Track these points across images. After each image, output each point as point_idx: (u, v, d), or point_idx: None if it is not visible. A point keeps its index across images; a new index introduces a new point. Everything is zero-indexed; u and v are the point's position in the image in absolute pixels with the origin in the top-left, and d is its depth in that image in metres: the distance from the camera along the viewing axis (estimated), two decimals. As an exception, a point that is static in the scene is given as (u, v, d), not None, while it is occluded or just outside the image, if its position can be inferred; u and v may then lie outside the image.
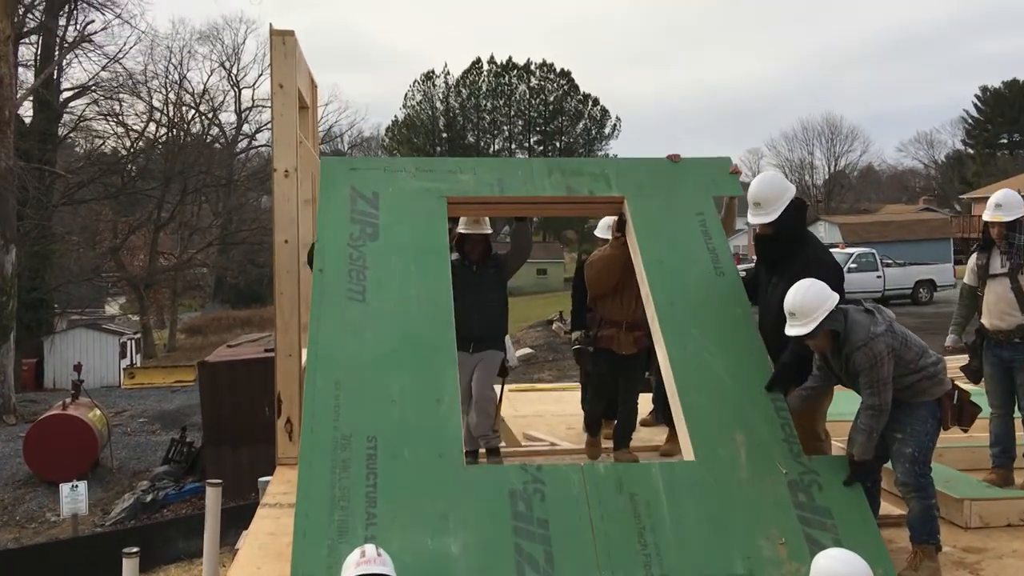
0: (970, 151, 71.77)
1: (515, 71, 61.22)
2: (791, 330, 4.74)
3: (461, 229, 6.42)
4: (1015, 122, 69.53)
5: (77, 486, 16.33)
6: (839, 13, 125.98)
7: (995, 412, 6.18)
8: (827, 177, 76.33)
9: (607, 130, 62.37)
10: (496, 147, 61.54)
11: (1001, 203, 6.01)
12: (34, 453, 19.64)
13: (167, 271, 44.80)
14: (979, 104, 72.63)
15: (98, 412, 20.94)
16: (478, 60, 62.04)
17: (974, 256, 6.31)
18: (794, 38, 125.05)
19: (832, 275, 5.06)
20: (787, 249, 5.38)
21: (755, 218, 5.43)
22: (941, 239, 45.57)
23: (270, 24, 6.48)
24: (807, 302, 4.67)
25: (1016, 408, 6.18)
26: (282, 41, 6.54)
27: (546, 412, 8.70)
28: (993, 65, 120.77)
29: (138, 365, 37.66)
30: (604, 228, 7.36)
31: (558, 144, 61.84)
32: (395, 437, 4.79)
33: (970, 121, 73.00)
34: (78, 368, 22.26)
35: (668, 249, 5.93)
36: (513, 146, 62.17)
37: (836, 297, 4.72)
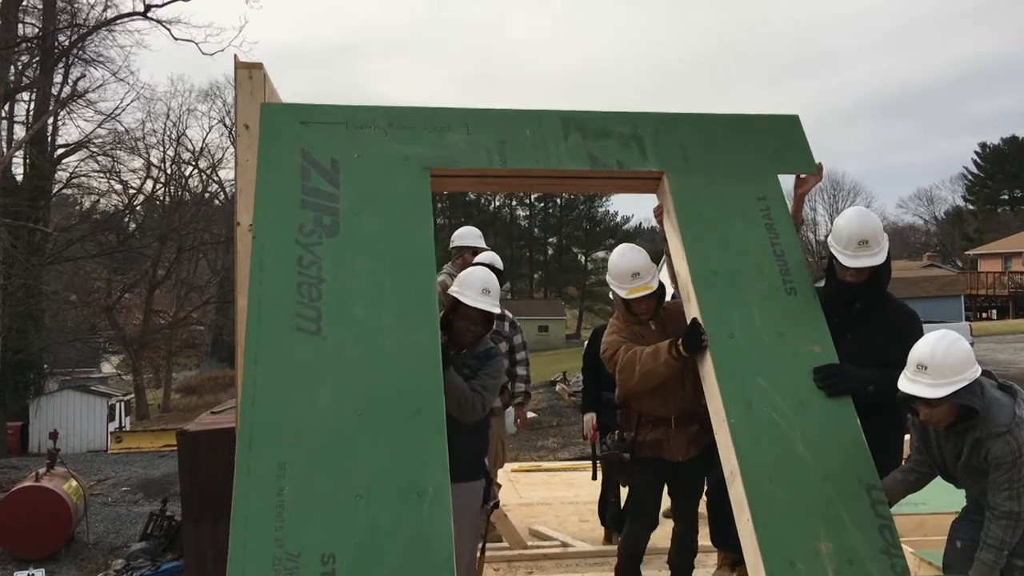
0: (971, 207, 73.54)
1: None
2: (914, 387, 3.58)
3: (463, 296, 4.49)
4: (1016, 178, 71.09)
5: (34, 574, 14.97)
6: (841, 70, 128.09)
7: None
8: (828, 233, 76.15)
9: None
10: (497, 203, 62.67)
11: None
12: (4, 528, 17.96)
13: (162, 330, 44.30)
14: (979, 161, 74.08)
15: (74, 483, 19.32)
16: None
17: None
18: (797, 93, 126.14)
19: (921, 332, 3.95)
20: (877, 298, 4.41)
21: (863, 259, 4.26)
22: (952, 296, 44.15)
23: (235, 56, 4.88)
24: (950, 359, 3.55)
25: None
26: (248, 75, 4.79)
27: (555, 499, 7.50)
28: (991, 122, 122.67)
29: (126, 428, 36.44)
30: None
31: (559, 201, 63.17)
32: (363, 555, 3.50)
33: (970, 177, 74.45)
34: (54, 436, 20.94)
35: (723, 254, 4.50)
36: (513, 202, 63.28)
37: (979, 368, 3.61)
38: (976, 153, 74.59)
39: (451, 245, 6.89)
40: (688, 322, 4.37)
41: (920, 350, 3.61)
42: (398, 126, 4.64)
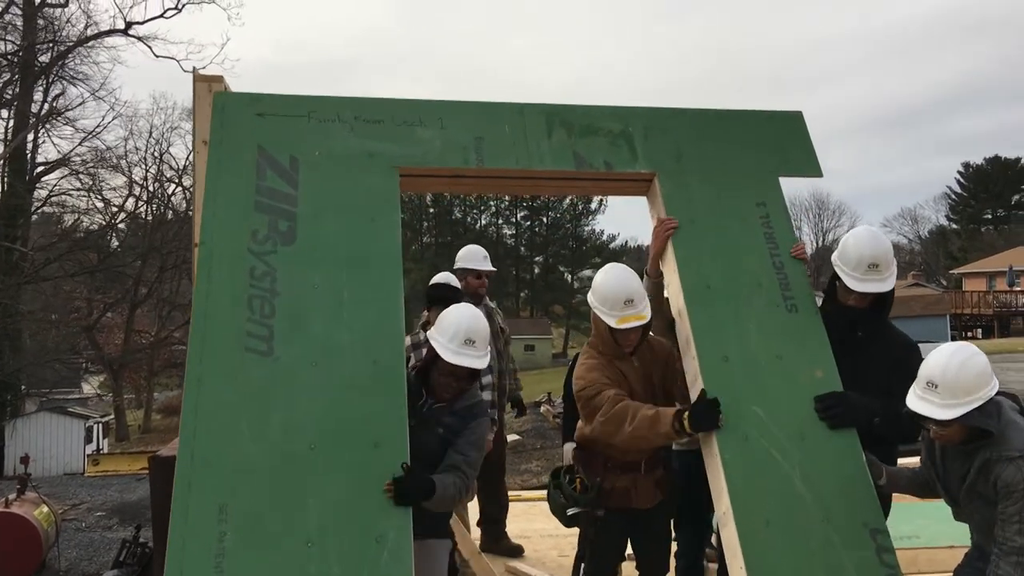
0: (954, 226, 73.18)
1: None
2: (923, 406, 3.20)
3: (442, 349, 3.67)
4: (999, 198, 70.84)
5: None
6: (825, 90, 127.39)
7: None
8: (814, 252, 78.00)
9: (593, 205, 62.92)
10: (483, 222, 62.81)
11: None
12: (-29, 556, 17.14)
13: (143, 350, 43.29)
14: (962, 180, 73.64)
15: (45, 509, 18.63)
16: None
17: None
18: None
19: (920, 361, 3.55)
20: (879, 326, 4.04)
21: (871, 284, 3.92)
22: (937, 315, 43.86)
23: (194, 68, 4.37)
24: (963, 378, 3.16)
25: None
26: (208, 88, 4.29)
27: (533, 532, 6.90)
28: (974, 142, 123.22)
29: (104, 451, 35.50)
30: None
31: (545, 220, 62.85)
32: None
33: (954, 197, 74.29)
34: (25, 461, 20.20)
35: (718, 266, 4.10)
36: (500, 221, 63.28)
37: (997, 384, 3.23)
38: (959, 173, 74.65)
39: (456, 266, 6.50)
40: (688, 379, 3.93)
41: (931, 365, 3.23)
42: (365, 119, 4.20)
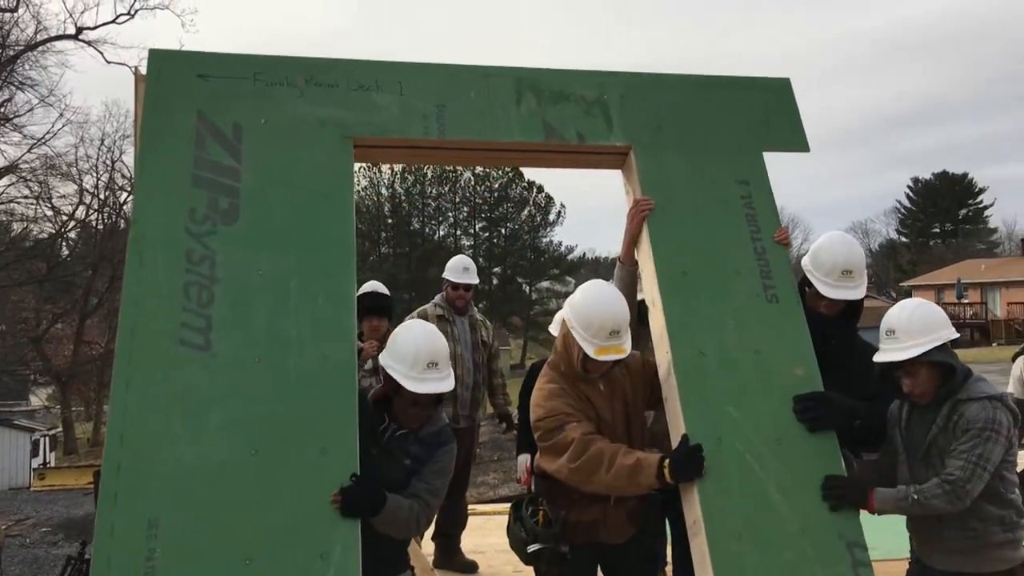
0: (904, 240, 74.91)
1: None
2: (885, 355, 3.37)
3: (402, 378, 3.33)
4: (947, 212, 72.69)
5: None
6: None
7: None
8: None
9: (552, 217, 62.66)
10: (441, 233, 62.65)
11: None
12: (-90, 577, 16.38)
13: (93, 361, 41.78)
14: (911, 195, 75.32)
15: None
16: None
17: (1020, 362, 5.12)
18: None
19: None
20: (850, 333, 3.94)
21: (844, 291, 3.83)
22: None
23: (135, 68, 3.92)
24: (918, 319, 3.36)
25: None
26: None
27: (488, 547, 6.60)
28: (924, 158, 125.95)
29: (51, 464, 34.63)
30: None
31: (503, 231, 62.48)
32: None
33: (903, 211, 75.70)
34: None
35: (695, 251, 3.82)
36: (458, 232, 62.86)
37: (953, 331, 3.40)
38: (909, 187, 76.16)
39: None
40: (660, 374, 3.63)
41: (888, 317, 3.42)
42: (317, 83, 3.82)
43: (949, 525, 3.32)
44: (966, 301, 46.35)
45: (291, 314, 3.36)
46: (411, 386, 3.27)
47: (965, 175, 73.41)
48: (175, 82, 3.68)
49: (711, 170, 3.98)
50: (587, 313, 3.47)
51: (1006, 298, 48.36)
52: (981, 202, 73.50)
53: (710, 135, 4.06)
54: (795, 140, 4.18)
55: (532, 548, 3.60)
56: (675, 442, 3.46)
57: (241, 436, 3.14)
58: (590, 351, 3.43)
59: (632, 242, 3.87)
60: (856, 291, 3.84)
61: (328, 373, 3.30)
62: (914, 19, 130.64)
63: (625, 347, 3.49)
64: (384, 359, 3.37)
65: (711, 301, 3.70)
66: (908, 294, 54.08)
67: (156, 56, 3.73)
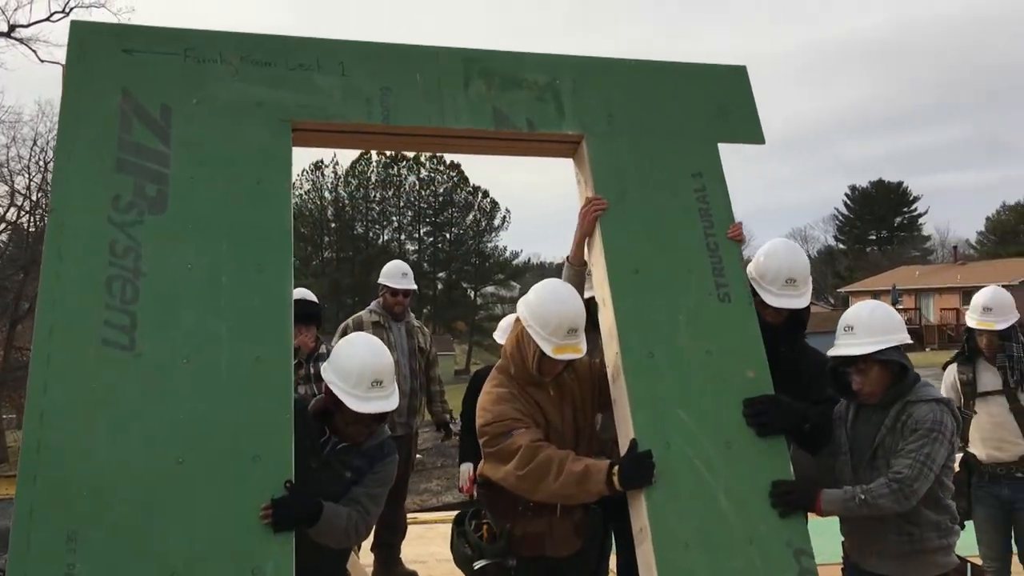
0: (842, 247, 76.37)
1: (404, 162, 61.82)
2: (841, 349, 3.42)
3: (345, 396, 3.21)
4: (883, 219, 75.08)
5: None
6: None
7: (989, 566, 4.84)
8: None
9: (496, 222, 62.87)
10: (385, 237, 62.55)
11: (991, 306, 4.89)
12: None
13: (24, 367, 41.51)
14: (849, 203, 77.14)
15: None
16: (367, 151, 61.14)
17: (952, 370, 5.03)
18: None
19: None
20: (798, 340, 3.92)
21: (788, 300, 3.81)
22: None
23: (62, 65, 3.55)
24: (877, 318, 3.42)
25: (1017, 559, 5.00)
26: None
27: (429, 556, 6.52)
28: (861, 166, 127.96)
29: None
30: (506, 332, 5.13)
31: (448, 235, 62.51)
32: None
33: (841, 218, 77.58)
34: None
35: (647, 247, 3.69)
36: (403, 236, 62.78)
37: (908, 337, 3.47)
38: (846, 195, 78.02)
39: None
40: (609, 375, 3.53)
41: (847, 315, 3.49)
42: (253, 61, 3.58)
43: (885, 529, 3.34)
44: (901, 307, 47.35)
45: (221, 312, 3.18)
46: (354, 405, 3.16)
47: (900, 184, 76.14)
48: (99, 57, 3.42)
49: (664, 162, 3.85)
50: (545, 310, 3.36)
51: (939, 304, 49.64)
52: (916, 210, 76.25)
53: (664, 125, 3.92)
54: (751, 132, 4.05)
55: (478, 564, 3.47)
56: (623, 447, 3.36)
57: (167, 443, 2.96)
58: (548, 350, 3.32)
59: (582, 241, 3.74)
60: (800, 300, 3.81)
61: (261, 375, 3.12)
62: (851, 33, 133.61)
63: (582, 347, 3.39)
64: (327, 374, 3.24)
65: (663, 300, 3.58)
66: (845, 300, 55.14)
67: (78, 28, 3.47)
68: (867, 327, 3.37)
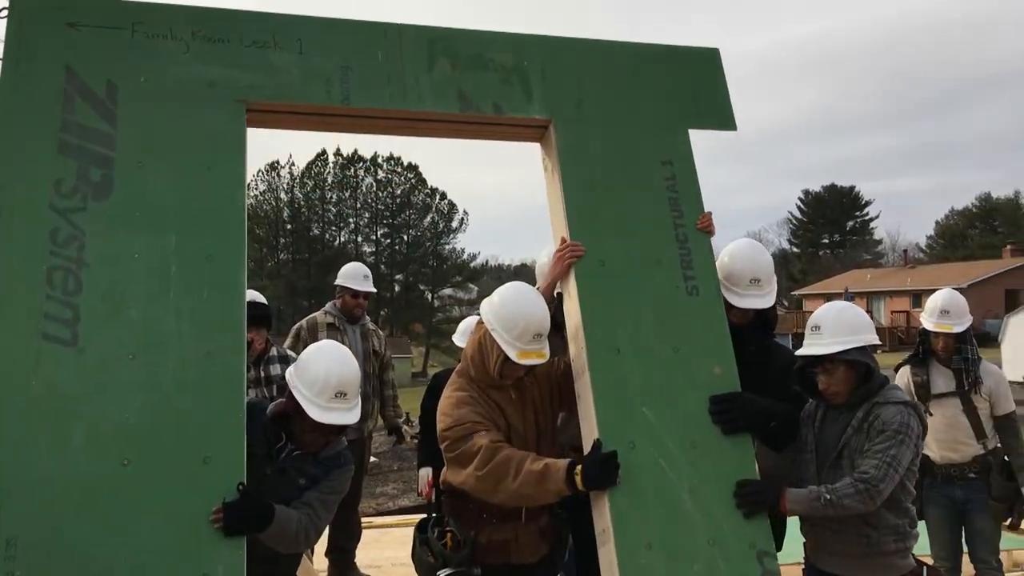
0: (795, 250, 76.55)
1: (361, 164, 61.14)
2: (808, 348, 3.41)
3: (307, 404, 3.14)
4: (835, 223, 75.35)
5: None
6: None
7: (941, 565, 4.95)
8: None
9: (455, 224, 62.39)
10: (342, 239, 61.92)
11: (949, 309, 4.96)
12: None
13: None
14: (802, 207, 77.11)
15: None
16: (323, 152, 60.94)
17: (905, 372, 5.07)
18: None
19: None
20: (762, 343, 3.84)
21: (752, 300, 3.72)
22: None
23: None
24: (844, 318, 3.42)
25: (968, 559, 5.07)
26: None
27: (384, 560, 6.43)
28: (814, 171, 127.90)
29: None
30: (465, 335, 5.17)
31: (405, 237, 62.16)
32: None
33: (794, 222, 77.45)
34: None
35: (615, 238, 3.58)
36: (359, 239, 62.24)
37: (876, 338, 3.47)
38: (800, 199, 78.15)
39: (336, 281, 6.21)
40: (574, 371, 3.44)
41: (815, 315, 3.48)
42: (206, 37, 3.39)
43: (843, 530, 3.34)
44: (853, 309, 48.16)
45: (170, 305, 3.03)
46: (314, 413, 3.08)
47: (852, 188, 76.56)
48: (40, 31, 3.22)
49: (634, 148, 3.73)
50: (511, 315, 3.30)
51: (890, 306, 50.37)
52: (867, 214, 76.72)
53: (634, 109, 3.80)
54: (722, 118, 3.94)
55: (443, 573, 3.40)
56: (587, 444, 3.29)
57: (112, 444, 2.83)
58: (512, 354, 3.27)
59: (554, 284, 3.60)
60: (765, 299, 3.76)
61: (212, 372, 2.99)
62: (804, 38, 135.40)
63: (546, 352, 3.35)
64: (291, 378, 3.16)
65: (629, 293, 3.49)
66: (799, 302, 55.83)
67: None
68: (833, 327, 3.37)
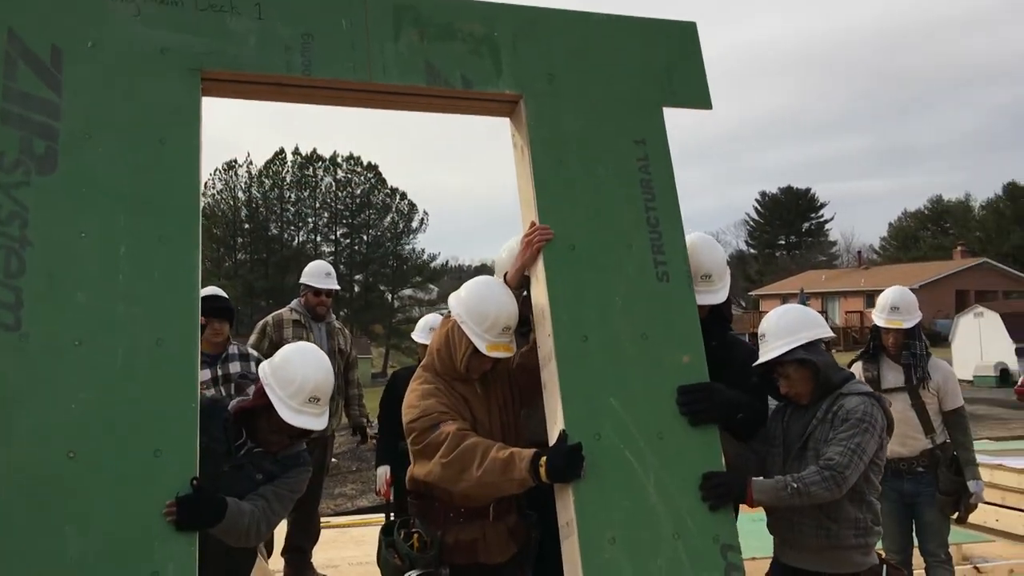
0: (752, 251, 77.68)
1: (320, 163, 60.06)
2: (761, 357, 3.46)
3: (279, 404, 3.09)
4: (791, 225, 76.78)
5: None
6: None
7: (891, 558, 4.88)
8: None
9: (415, 224, 61.67)
10: (301, 239, 60.85)
11: (899, 305, 5.10)
12: None
13: None
14: (759, 208, 78.32)
15: None
16: (282, 151, 59.80)
17: (858, 367, 5.14)
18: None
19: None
20: (722, 338, 3.75)
21: (703, 296, 3.62)
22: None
23: None
24: (784, 321, 3.46)
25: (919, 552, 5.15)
26: None
27: (342, 560, 6.39)
28: (770, 173, 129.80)
29: None
30: (426, 331, 5.31)
31: (365, 238, 61.21)
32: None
33: (751, 223, 78.57)
34: None
35: (585, 220, 3.46)
36: (318, 238, 61.08)
37: (827, 330, 3.49)
38: (757, 201, 79.44)
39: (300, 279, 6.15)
40: (540, 358, 3.36)
41: (761, 323, 3.52)
42: (158, 0, 3.17)
43: (804, 523, 3.35)
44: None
45: (119, 289, 2.87)
46: (285, 414, 3.04)
47: (808, 190, 78.12)
48: None
49: (607, 127, 3.60)
50: (482, 307, 3.28)
51: (844, 307, 51.12)
52: (822, 216, 78.23)
53: (607, 85, 3.65)
54: (698, 96, 3.81)
55: (410, 575, 3.31)
56: (552, 434, 3.22)
57: (57, 435, 2.70)
58: (481, 346, 3.24)
59: (522, 270, 3.46)
60: (716, 295, 3.70)
61: (164, 360, 2.85)
62: (761, 41, 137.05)
63: (513, 346, 3.33)
64: (266, 375, 3.09)
65: (599, 279, 3.38)
66: (756, 303, 56.39)
67: None
68: (775, 332, 3.43)
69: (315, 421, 3.12)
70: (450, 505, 3.33)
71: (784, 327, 3.42)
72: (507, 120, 3.70)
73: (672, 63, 3.77)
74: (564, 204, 3.44)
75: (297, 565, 5.82)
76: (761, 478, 3.31)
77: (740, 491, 3.23)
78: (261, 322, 5.90)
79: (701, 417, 3.28)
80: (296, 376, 3.08)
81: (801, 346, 3.35)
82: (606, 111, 3.61)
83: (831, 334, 3.52)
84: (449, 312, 3.43)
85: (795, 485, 3.18)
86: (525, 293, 3.50)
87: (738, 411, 3.42)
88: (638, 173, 3.55)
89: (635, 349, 3.30)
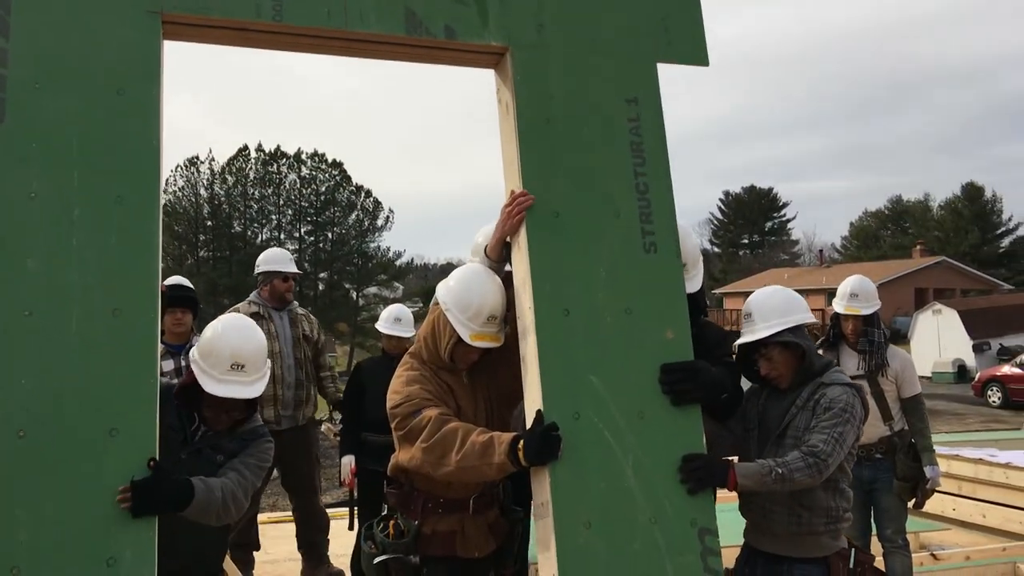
0: (716, 250, 77.75)
1: (284, 160, 58.36)
2: (744, 336, 3.43)
3: (203, 377, 3.00)
4: (754, 224, 77.88)
5: None
6: None
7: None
8: None
9: (380, 222, 60.28)
10: (264, 236, 58.82)
11: (857, 293, 5.17)
12: None
13: None
14: (723, 207, 79.32)
15: None
16: (245, 147, 57.64)
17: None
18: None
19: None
20: (698, 319, 3.59)
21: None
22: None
23: None
24: (771, 302, 3.42)
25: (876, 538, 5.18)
26: None
27: (288, 554, 6.37)
28: (734, 173, 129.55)
29: None
30: (391, 321, 5.42)
31: (330, 235, 59.68)
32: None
33: (715, 222, 79.50)
34: None
35: (571, 186, 3.27)
36: (282, 236, 59.18)
37: (812, 315, 3.46)
38: (720, 200, 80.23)
39: (256, 270, 5.99)
40: (519, 331, 3.24)
41: (748, 300, 3.51)
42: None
43: (775, 509, 3.33)
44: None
45: (72, 254, 2.69)
46: (207, 384, 2.92)
47: (771, 190, 79.05)
48: None
49: (598, 83, 3.38)
50: (468, 296, 3.20)
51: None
52: (785, 215, 79.28)
53: (600, 38, 3.43)
54: (695, 52, 3.59)
55: (379, 559, 3.25)
56: (529, 413, 3.11)
57: (5, 413, 2.54)
58: (466, 335, 3.17)
59: (503, 240, 3.30)
60: (691, 283, 3.54)
61: (120, 332, 2.68)
62: (724, 40, 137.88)
63: (500, 337, 3.24)
64: (193, 351, 3.01)
65: (584, 249, 3.22)
66: (719, 301, 56.62)
67: None
68: (763, 312, 3.38)
69: (243, 389, 2.97)
70: (430, 495, 3.27)
71: (772, 308, 3.38)
72: (491, 71, 3.48)
73: (667, 16, 3.55)
74: (550, 167, 3.25)
75: (312, 559, 5.84)
76: (745, 462, 3.25)
77: (721, 475, 3.15)
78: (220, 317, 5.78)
79: (684, 397, 3.17)
80: (213, 345, 2.99)
81: (788, 329, 3.33)
82: (597, 65, 3.39)
83: (814, 319, 3.49)
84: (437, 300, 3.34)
85: (780, 470, 3.12)
86: (509, 268, 3.34)
87: (723, 392, 3.33)
88: (629, 135, 3.35)
89: (618, 324, 3.16)
